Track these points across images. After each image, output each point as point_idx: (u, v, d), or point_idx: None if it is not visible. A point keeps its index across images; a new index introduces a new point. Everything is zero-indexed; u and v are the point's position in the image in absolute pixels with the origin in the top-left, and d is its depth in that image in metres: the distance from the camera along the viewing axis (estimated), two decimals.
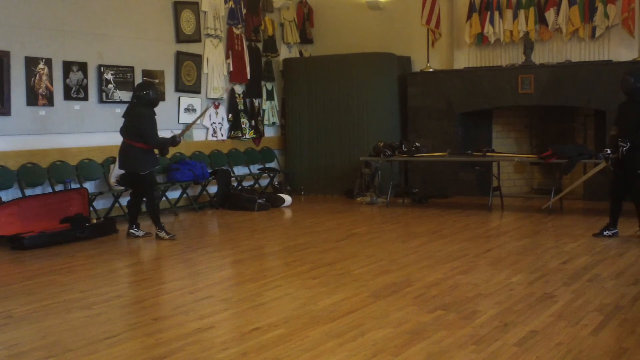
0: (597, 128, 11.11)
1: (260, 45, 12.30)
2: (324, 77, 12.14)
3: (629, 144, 7.25)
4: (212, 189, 10.76)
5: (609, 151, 7.48)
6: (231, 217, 9.35)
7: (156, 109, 8.43)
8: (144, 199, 8.25)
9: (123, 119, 8.22)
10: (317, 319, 4.78)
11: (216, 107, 11.35)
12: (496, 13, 11.39)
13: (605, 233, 7.71)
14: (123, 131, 8.13)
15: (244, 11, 11.75)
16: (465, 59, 11.85)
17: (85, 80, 9.24)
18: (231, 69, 11.54)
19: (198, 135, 11.08)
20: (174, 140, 8.23)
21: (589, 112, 11.23)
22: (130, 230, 8.28)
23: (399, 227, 8.82)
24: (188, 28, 10.76)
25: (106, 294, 5.64)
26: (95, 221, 8.58)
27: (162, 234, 8.07)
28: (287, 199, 10.87)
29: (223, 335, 4.54)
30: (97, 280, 6.18)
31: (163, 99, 9.84)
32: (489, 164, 10.58)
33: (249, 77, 11.88)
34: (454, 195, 11.36)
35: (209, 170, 10.77)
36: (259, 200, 10.40)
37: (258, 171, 11.95)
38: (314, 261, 6.71)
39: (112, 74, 9.58)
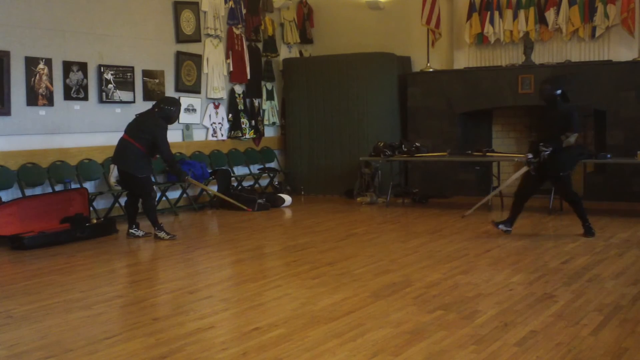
0: (597, 128, 11.11)
1: (260, 45, 12.31)
2: (324, 77, 12.13)
3: (550, 149, 7.48)
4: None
5: (530, 156, 7.72)
6: (231, 217, 9.35)
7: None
8: (140, 199, 8.25)
9: (134, 117, 8.28)
10: (317, 319, 4.78)
11: (216, 107, 11.36)
12: (496, 13, 11.39)
13: (500, 226, 7.91)
14: (129, 128, 8.14)
15: (244, 11, 11.75)
16: (465, 59, 11.85)
17: (85, 80, 9.24)
18: (231, 69, 11.54)
19: (198, 135, 11.08)
20: (182, 172, 8.46)
21: (589, 112, 11.23)
22: (130, 231, 8.29)
23: (399, 227, 8.81)
24: (188, 28, 10.77)
25: (106, 294, 5.64)
26: (95, 221, 8.58)
27: (162, 234, 8.07)
28: (287, 199, 10.87)
29: (223, 335, 4.54)
30: (97, 280, 6.18)
31: None
32: (489, 164, 10.58)
33: (249, 77, 11.88)
34: (454, 195, 11.36)
35: (209, 170, 10.77)
36: (259, 200, 10.40)
37: (258, 171, 11.95)
38: (314, 261, 6.71)
39: (112, 74, 9.58)
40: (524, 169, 8.03)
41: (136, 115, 8.36)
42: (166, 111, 8.13)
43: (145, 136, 7.97)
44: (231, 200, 8.62)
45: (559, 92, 7.65)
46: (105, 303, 5.36)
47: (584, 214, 7.77)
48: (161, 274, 6.60)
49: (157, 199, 9.68)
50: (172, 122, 8.36)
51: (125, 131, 8.18)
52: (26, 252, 7.45)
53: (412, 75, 12.08)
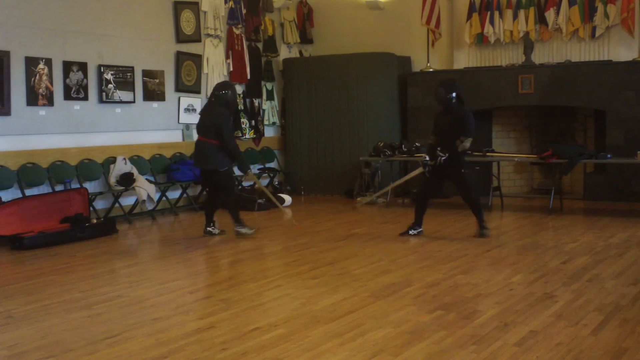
0: (597, 128, 11.12)
1: (260, 45, 12.30)
2: (324, 77, 12.13)
3: (447, 154, 7.54)
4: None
5: (427, 158, 7.78)
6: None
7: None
8: (222, 195, 8.12)
9: (199, 115, 8.30)
10: (317, 319, 4.78)
11: None
12: (496, 13, 11.40)
13: (410, 232, 8.00)
14: (199, 128, 8.11)
15: (244, 11, 11.75)
16: (465, 59, 11.85)
17: (85, 80, 9.24)
18: (231, 69, 11.54)
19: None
20: (245, 164, 8.25)
21: (589, 112, 11.23)
22: (208, 229, 8.21)
23: (399, 227, 8.80)
24: (188, 28, 10.76)
25: (106, 294, 5.64)
26: (95, 221, 8.58)
27: (244, 230, 8.04)
28: (287, 199, 10.87)
29: (223, 335, 4.54)
30: (97, 280, 6.19)
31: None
32: (489, 164, 10.58)
33: (249, 77, 11.88)
34: (454, 195, 11.33)
35: None
36: (259, 200, 10.40)
37: (258, 171, 11.95)
38: (314, 261, 6.71)
39: (112, 74, 9.58)
40: (418, 171, 8.11)
41: (199, 113, 8.37)
42: (223, 97, 7.97)
43: (213, 129, 7.86)
44: (277, 203, 8.64)
45: (454, 95, 7.69)
46: (105, 303, 5.36)
47: (482, 215, 7.83)
48: (161, 274, 6.59)
49: (156, 200, 9.71)
50: (233, 106, 8.22)
51: (197, 132, 8.13)
52: (26, 252, 7.45)
53: (412, 75, 12.08)
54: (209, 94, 11.08)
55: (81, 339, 4.47)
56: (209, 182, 8.28)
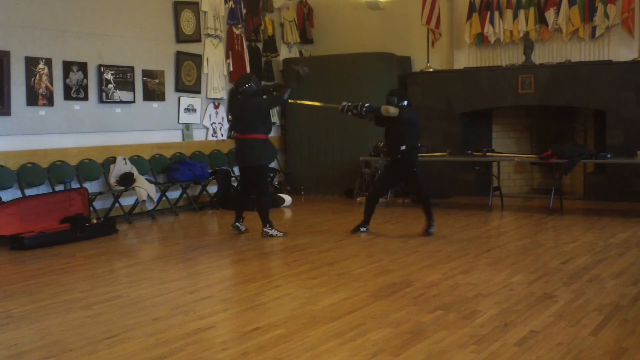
0: (597, 128, 11.12)
1: (260, 45, 12.31)
2: (324, 77, 12.11)
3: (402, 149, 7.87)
4: (212, 189, 10.76)
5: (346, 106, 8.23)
6: (231, 217, 9.33)
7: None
8: (256, 194, 8.16)
9: (230, 117, 8.31)
10: (317, 319, 4.78)
11: (216, 107, 11.35)
12: (496, 13, 11.39)
13: (361, 229, 8.25)
14: (236, 127, 8.13)
15: (244, 11, 11.75)
16: (465, 59, 11.85)
17: (85, 80, 9.24)
18: (231, 69, 11.54)
19: (198, 135, 11.08)
20: (287, 89, 8.35)
21: (589, 112, 11.24)
22: (237, 224, 8.26)
23: (399, 227, 8.81)
24: (188, 28, 10.76)
25: (106, 294, 5.64)
26: (95, 221, 8.58)
27: (273, 232, 8.05)
28: (287, 199, 10.87)
29: (223, 335, 4.54)
30: (97, 280, 6.18)
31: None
32: (489, 164, 10.58)
33: None
34: (454, 195, 11.35)
35: (209, 170, 10.77)
36: None
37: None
38: (314, 261, 6.72)
39: (112, 74, 9.58)
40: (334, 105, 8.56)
41: (230, 115, 8.38)
42: (249, 89, 7.93)
43: (259, 121, 7.88)
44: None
45: (405, 103, 7.98)
46: (105, 303, 5.36)
47: (431, 214, 8.02)
48: (161, 274, 6.59)
49: (156, 200, 9.71)
50: (260, 93, 8.14)
51: (235, 131, 8.17)
52: (26, 252, 7.45)
53: (412, 75, 12.08)
54: (208, 94, 11.14)
55: (81, 339, 4.48)
56: (249, 179, 8.22)
